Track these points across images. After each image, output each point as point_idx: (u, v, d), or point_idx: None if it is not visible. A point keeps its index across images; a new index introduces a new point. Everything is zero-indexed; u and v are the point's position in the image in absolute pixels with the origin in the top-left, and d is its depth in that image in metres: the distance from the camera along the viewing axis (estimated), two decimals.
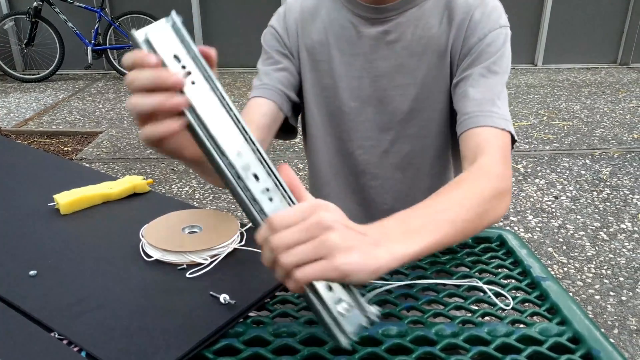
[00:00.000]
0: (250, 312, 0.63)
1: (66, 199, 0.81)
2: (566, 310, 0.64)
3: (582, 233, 2.38)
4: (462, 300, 0.67)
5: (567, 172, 3.05)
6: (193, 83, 0.47)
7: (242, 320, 0.62)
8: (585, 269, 2.12)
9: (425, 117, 0.89)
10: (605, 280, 2.05)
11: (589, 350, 0.58)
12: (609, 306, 1.90)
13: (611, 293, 1.97)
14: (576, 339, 0.60)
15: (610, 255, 2.21)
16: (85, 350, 0.55)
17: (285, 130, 0.96)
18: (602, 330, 0.62)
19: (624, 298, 1.94)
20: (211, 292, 0.64)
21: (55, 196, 0.82)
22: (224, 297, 0.62)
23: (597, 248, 2.26)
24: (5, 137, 1.22)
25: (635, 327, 1.79)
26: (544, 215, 2.52)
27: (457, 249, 0.80)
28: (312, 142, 0.97)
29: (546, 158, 3.24)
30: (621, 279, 2.06)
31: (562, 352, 0.58)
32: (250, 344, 0.59)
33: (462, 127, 0.78)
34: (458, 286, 0.70)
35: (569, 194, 2.76)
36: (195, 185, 2.90)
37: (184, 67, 0.47)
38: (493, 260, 0.76)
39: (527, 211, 2.57)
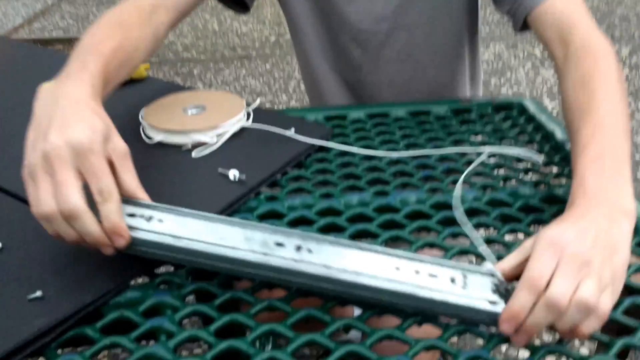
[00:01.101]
0: (261, 188, 0.61)
1: None
2: None
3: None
4: (482, 167, 0.64)
5: None
6: (160, 221, 0.46)
7: (253, 196, 0.60)
8: None
9: (424, 3, 0.80)
10: None
11: None
12: None
13: None
14: None
15: None
16: None
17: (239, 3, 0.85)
18: None
19: (639, 176, 1.93)
20: (220, 170, 0.61)
21: None
22: (233, 174, 0.60)
23: None
24: None
25: None
26: (560, 99, 2.44)
27: (474, 118, 0.76)
28: (302, 37, 0.88)
29: None
30: (637, 158, 2.03)
31: None
32: (264, 218, 0.57)
33: (523, 8, 0.68)
34: (477, 154, 0.67)
35: None
36: (200, 88, 2.83)
37: (142, 216, 0.47)
38: (514, 129, 0.72)
39: (544, 95, 2.49)
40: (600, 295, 0.39)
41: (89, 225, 0.43)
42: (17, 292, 0.45)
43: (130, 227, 0.45)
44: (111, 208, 0.44)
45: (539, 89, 2.57)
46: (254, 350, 0.42)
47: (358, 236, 0.55)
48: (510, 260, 0.44)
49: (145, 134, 0.67)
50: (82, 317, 0.44)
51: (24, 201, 0.58)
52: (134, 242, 0.45)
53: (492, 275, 0.43)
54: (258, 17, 3.87)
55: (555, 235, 0.42)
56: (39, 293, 0.45)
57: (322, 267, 0.42)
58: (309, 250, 0.44)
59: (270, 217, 0.57)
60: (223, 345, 0.42)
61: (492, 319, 0.41)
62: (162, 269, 0.50)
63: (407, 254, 0.44)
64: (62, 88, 0.49)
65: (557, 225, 0.43)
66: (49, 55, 1.00)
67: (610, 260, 0.41)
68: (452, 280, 0.42)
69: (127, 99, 0.79)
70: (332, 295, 0.45)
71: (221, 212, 0.56)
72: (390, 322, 0.45)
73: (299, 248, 0.44)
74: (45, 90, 0.49)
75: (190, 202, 0.56)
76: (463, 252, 0.51)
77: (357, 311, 1.00)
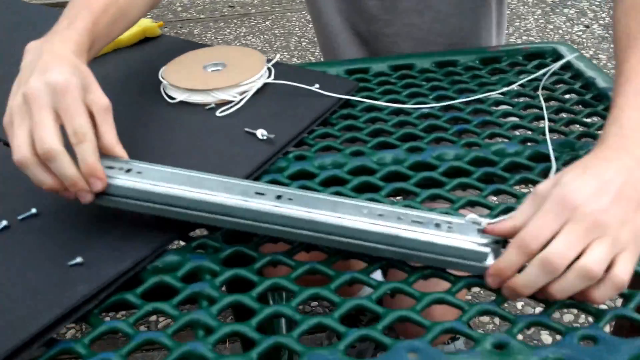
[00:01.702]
0: (289, 147, 0.58)
1: None
2: None
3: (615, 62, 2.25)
4: (520, 119, 0.61)
5: None
6: (139, 173, 0.46)
7: (282, 155, 0.57)
8: None
9: None
10: None
11: None
12: None
13: None
14: None
15: None
16: None
17: None
18: None
19: None
20: (246, 129, 0.58)
21: None
22: (261, 133, 0.57)
23: None
24: None
25: None
26: (574, 47, 2.38)
27: (505, 68, 0.72)
28: None
29: None
30: None
31: None
32: (295, 178, 0.55)
33: None
34: (513, 105, 0.64)
35: (601, 22, 2.57)
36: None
37: (121, 168, 0.46)
38: (550, 77, 0.69)
39: None
40: (617, 260, 0.36)
41: (66, 166, 0.42)
42: (57, 259, 0.44)
43: (108, 177, 0.45)
44: (86, 149, 0.43)
45: (550, 36, 2.50)
46: (300, 316, 0.41)
47: (394, 195, 0.53)
48: (523, 212, 0.40)
49: (166, 94, 0.64)
50: (122, 283, 0.43)
51: None
52: (112, 191, 0.45)
53: (478, 223, 0.41)
54: None
55: (568, 193, 0.37)
56: (79, 259, 0.43)
57: (304, 212, 0.42)
58: (290, 199, 0.43)
59: (301, 177, 0.55)
60: (269, 310, 0.41)
61: (481, 259, 0.40)
62: (197, 232, 0.49)
63: (388, 205, 0.43)
64: (46, 45, 0.48)
65: (576, 176, 0.39)
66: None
67: (633, 217, 0.37)
68: (437, 225, 0.41)
69: (143, 58, 0.76)
70: (315, 243, 0.44)
71: (252, 173, 0.53)
72: (435, 286, 0.43)
73: (279, 197, 0.44)
74: (32, 48, 0.48)
75: (220, 163, 0.54)
76: (509, 210, 0.49)
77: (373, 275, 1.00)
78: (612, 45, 2.35)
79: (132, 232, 0.46)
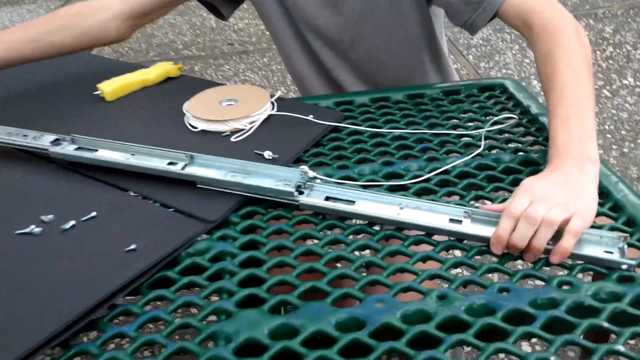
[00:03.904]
0: (289, 163, 0.74)
1: (110, 87, 0.89)
2: None
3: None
4: (471, 139, 0.77)
5: None
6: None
7: None
8: None
9: (380, 15, 0.89)
10: (608, 135, 2.14)
11: None
12: (611, 159, 2.02)
13: (613, 146, 2.08)
14: None
15: (613, 111, 2.29)
16: (159, 202, 0.66)
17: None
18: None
19: (625, 150, 2.05)
20: (256, 151, 0.74)
21: (99, 85, 0.90)
22: (267, 153, 0.73)
23: (600, 105, 2.34)
24: None
25: (636, 175, 1.91)
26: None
27: (463, 98, 0.89)
28: (286, 48, 0.99)
29: None
30: (623, 132, 2.15)
31: None
32: None
33: (487, 13, 0.78)
34: (466, 128, 0.80)
35: None
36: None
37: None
38: (497, 105, 0.85)
39: (532, 77, 2.62)
40: (570, 219, 0.54)
41: None
42: (115, 247, 0.59)
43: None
44: None
45: (527, 70, 2.70)
46: (299, 282, 0.55)
47: None
48: (506, 202, 0.58)
49: (189, 124, 0.80)
50: (164, 265, 0.58)
51: (102, 181, 0.71)
52: None
53: (305, 172, 0.64)
54: (253, 12, 3.97)
55: (529, 184, 0.58)
56: (133, 246, 0.58)
57: (75, 151, 0.70)
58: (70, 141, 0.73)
59: None
60: (276, 279, 0.56)
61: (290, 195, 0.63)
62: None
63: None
64: None
65: (534, 177, 0.59)
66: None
67: (578, 197, 0.56)
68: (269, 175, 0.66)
69: (167, 94, 0.92)
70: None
71: None
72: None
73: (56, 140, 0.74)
74: None
75: None
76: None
77: None
78: None
79: (172, 227, 0.61)
